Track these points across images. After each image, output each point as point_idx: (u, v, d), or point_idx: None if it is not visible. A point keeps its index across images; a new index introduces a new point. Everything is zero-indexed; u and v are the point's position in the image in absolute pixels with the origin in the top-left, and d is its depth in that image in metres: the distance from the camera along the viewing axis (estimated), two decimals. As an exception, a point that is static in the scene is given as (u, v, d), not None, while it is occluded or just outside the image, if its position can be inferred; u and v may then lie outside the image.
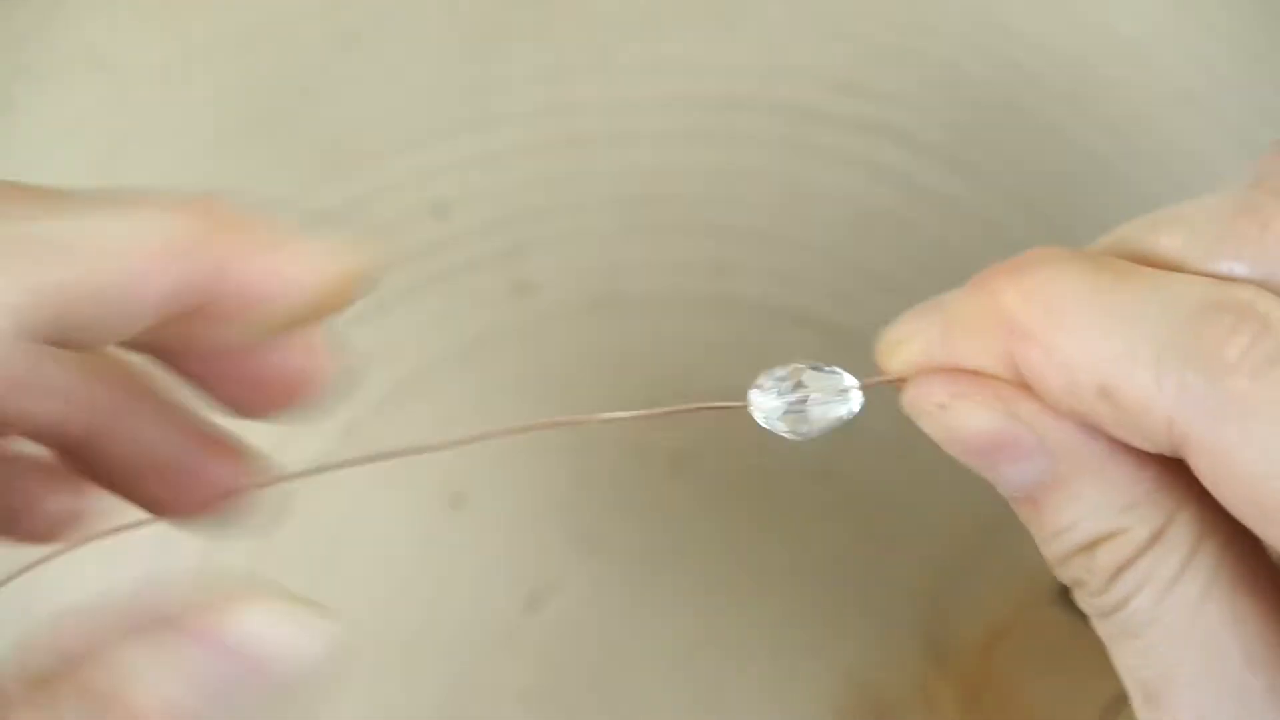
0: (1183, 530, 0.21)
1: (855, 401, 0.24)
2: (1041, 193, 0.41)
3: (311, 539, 0.38)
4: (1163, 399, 0.19)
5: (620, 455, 0.38)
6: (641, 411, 0.24)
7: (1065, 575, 0.22)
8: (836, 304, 0.40)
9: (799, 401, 0.24)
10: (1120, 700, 0.35)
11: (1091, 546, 0.21)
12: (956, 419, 0.22)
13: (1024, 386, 0.22)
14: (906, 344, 0.23)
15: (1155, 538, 0.21)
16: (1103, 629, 0.22)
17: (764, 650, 0.37)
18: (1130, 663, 0.22)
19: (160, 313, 0.21)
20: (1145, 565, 0.21)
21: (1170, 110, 0.42)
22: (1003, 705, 0.36)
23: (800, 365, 0.24)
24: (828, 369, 0.24)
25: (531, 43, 0.44)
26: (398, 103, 0.43)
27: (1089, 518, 0.21)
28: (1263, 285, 0.20)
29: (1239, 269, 0.21)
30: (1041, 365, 0.21)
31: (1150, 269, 0.21)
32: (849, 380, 0.24)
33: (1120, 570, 0.21)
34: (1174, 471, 0.21)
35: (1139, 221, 0.22)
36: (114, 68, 0.44)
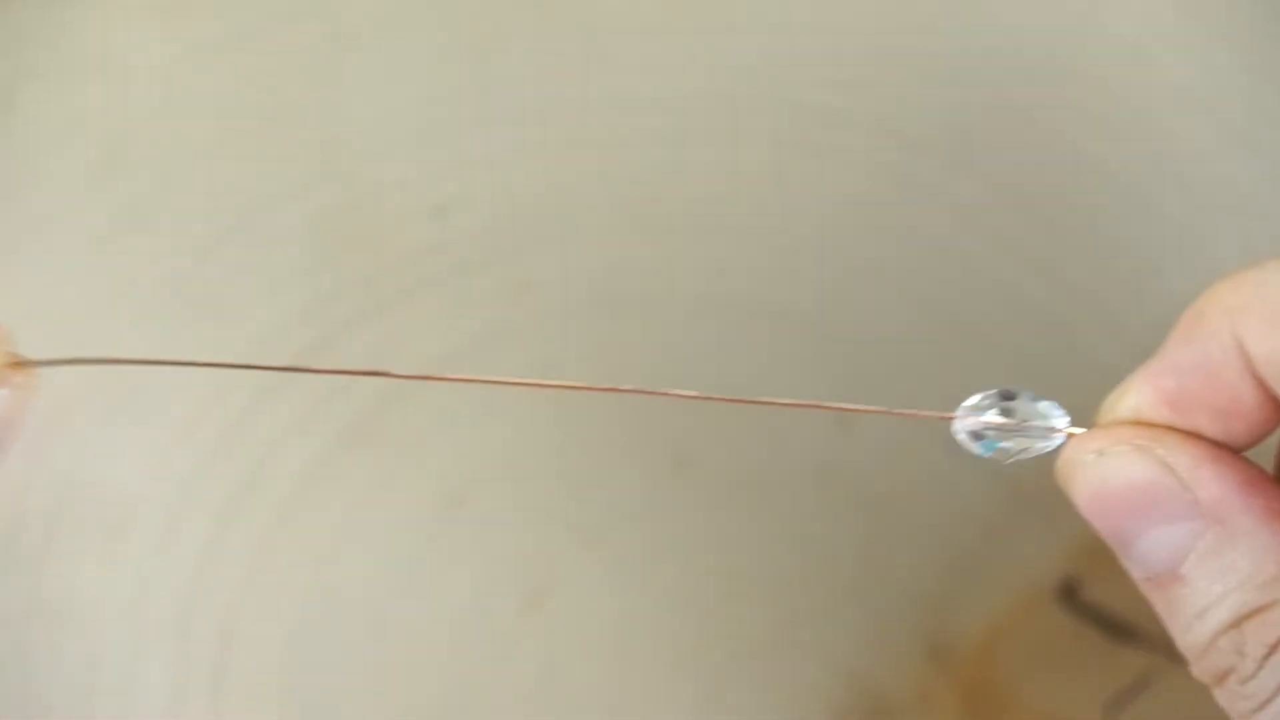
0: None
1: (1056, 442, 0.23)
2: (1041, 193, 0.41)
3: (312, 539, 0.38)
4: None
5: (620, 455, 0.38)
6: (849, 406, 0.24)
7: (1210, 665, 0.20)
8: (836, 304, 0.40)
9: (1004, 427, 0.23)
10: (1121, 699, 0.35)
11: (1239, 624, 0.20)
12: (1109, 467, 0.21)
13: (1197, 437, 0.20)
14: (1125, 397, 0.21)
15: None
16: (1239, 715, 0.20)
17: (764, 650, 0.37)
18: None
19: None
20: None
21: (1170, 110, 0.42)
22: (1003, 705, 0.36)
23: (1017, 390, 0.23)
24: (1042, 402, 0.23)
25: (531, 43, 0.44)
26: (398, 103, 0.43)
27: (1238, 589, 0.20)
28: None
29: None
30: (1264, 334, 0.19)
31: None
32: (1060, 420, 0.23)
33: (1271, 649, 0.20)
34: None
35: None
36: (114, 68, 0.44)
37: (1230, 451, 0.21)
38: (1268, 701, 0.20)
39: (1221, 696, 0.20)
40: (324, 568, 0.38)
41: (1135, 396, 0.21)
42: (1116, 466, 0.21)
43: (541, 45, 0.44)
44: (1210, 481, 0.20)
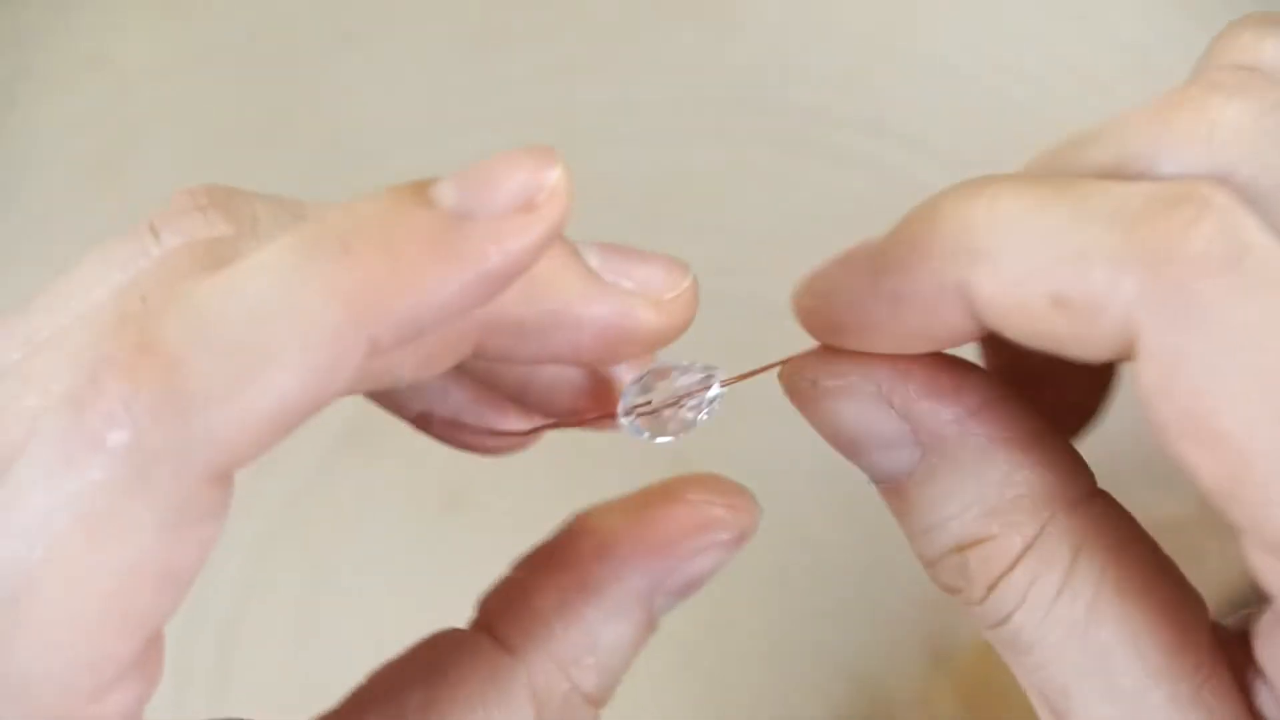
0: (1058, 542, 0.20)
1: (714, 393, 0.23)
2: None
3: (312, 539, 0.38)
4: (1118, 299, 0.17)
5: (621, 455, 0.38)
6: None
7: (940, 580, 0.21)
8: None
9: (661, 401, 0.22)
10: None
11: (961, 550, 0.21)
12: (829, 402, 0.21)
13: (908, 364, 0.21)
14: (829, 295, 0.21)
15: (1028, 548, 0.20)
16: (992, 639, 0.21)
17: (764, 650, 0.37)
18: (1028, 679, 0.20)
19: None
20: (1021, 579, 0.20)
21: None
22: (1002, 706, 0.36)
23: (659, 367, 0.23)
24: (688, 367, 0.23)
25: (531, 43, 0.44)
26: (398, 103, 0.43)
27: (956, 518, 0.20)
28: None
29: (1185, 174, 0.18)
30: (990, 285, 0.19)
31: (1095, 178, 0.19)
32: (706, 371, 0.23)
33: (995, 581, 0.20)
34: (1049, 477, 0.20)
35: (1065, 139, 0.20)
36: (114, 68, 0.44)
37: (957, 370, 0.21)
38: (996, 626, 0.20)
39: (963, 607, 0.21)
40: (324, 568, 0.38)
41: (849, 288, 0.21)
42: (836, 403, 0.21)
43: (541, 45, 0.44)
44: (928, 413, 0.21)
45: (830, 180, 0.41)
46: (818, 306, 0.21)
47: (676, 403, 0.23)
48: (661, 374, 0.22)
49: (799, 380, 0.22)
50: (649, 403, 0.22)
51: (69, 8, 0.45)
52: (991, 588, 0.20)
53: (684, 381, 0.22)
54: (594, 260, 0.21)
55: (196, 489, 0.17)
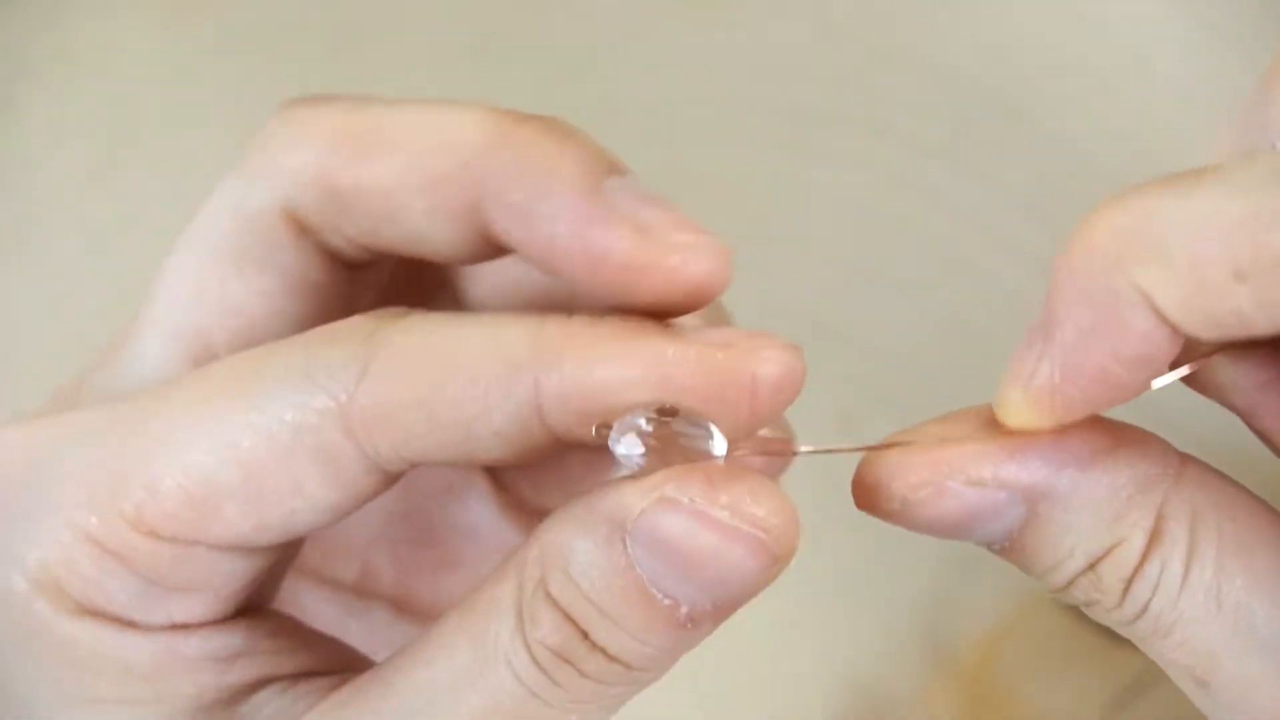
0: (1176, 521, 0.20)
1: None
2: (1041, 193, 0.41)
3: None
4: None
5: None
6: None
7: (1074, 599, 0.21)
8: (835, 303, 0.40)
9: (658, 439, 0.21)
10: (1121, 699, 0.35)
11: (1093, 567, 0.21)
12: (922, 513, 0.21)
13: (982, 437, 0.21)
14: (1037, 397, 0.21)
15: (1153, 539, 0.20)
16: (1131, 634, 0.21)
17: (764, 650, 0.37)
18: (1171, 657, 0.21)
19: None
20: (1153, 568, 0.20)
21: (1170, 110, 0.42)
22: (1003, 705, 0.36)
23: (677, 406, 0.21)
24: (697, 425, 0.21)
25: (531, 43, 0.44)
26: (398, 103, 0.43)
27: (1083, 542, 0.21)
28: None
29: None
30: (1169, 283, 0.18)
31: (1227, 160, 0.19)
32: (718, 443, 0.21)
33: (1130, 580, 0.21)
34: (1146, 464, 0.21)
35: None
36: (114, 68, 0.44)
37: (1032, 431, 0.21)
38: (1135, 619, 0.21)
39: (1095, 615, 0.21)
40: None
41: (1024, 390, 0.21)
42: (931, 510, 0.21)
43: (541, 45, 0.44)
44: (1017, 470, 0.21)
45: (830, 180, 0.41)
46: (1033, 402, 0.21)
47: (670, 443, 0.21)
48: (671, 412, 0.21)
49: (885, 505, 0.22)
50: (655, 436, 0.21)
51: (69, 8, 0.45)
52: (1127, 589, 0.21)
53: (691, 427, 0.21)
54: (612, 181, 0.22)
55: (329, 436, 0.21)
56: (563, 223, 0.21)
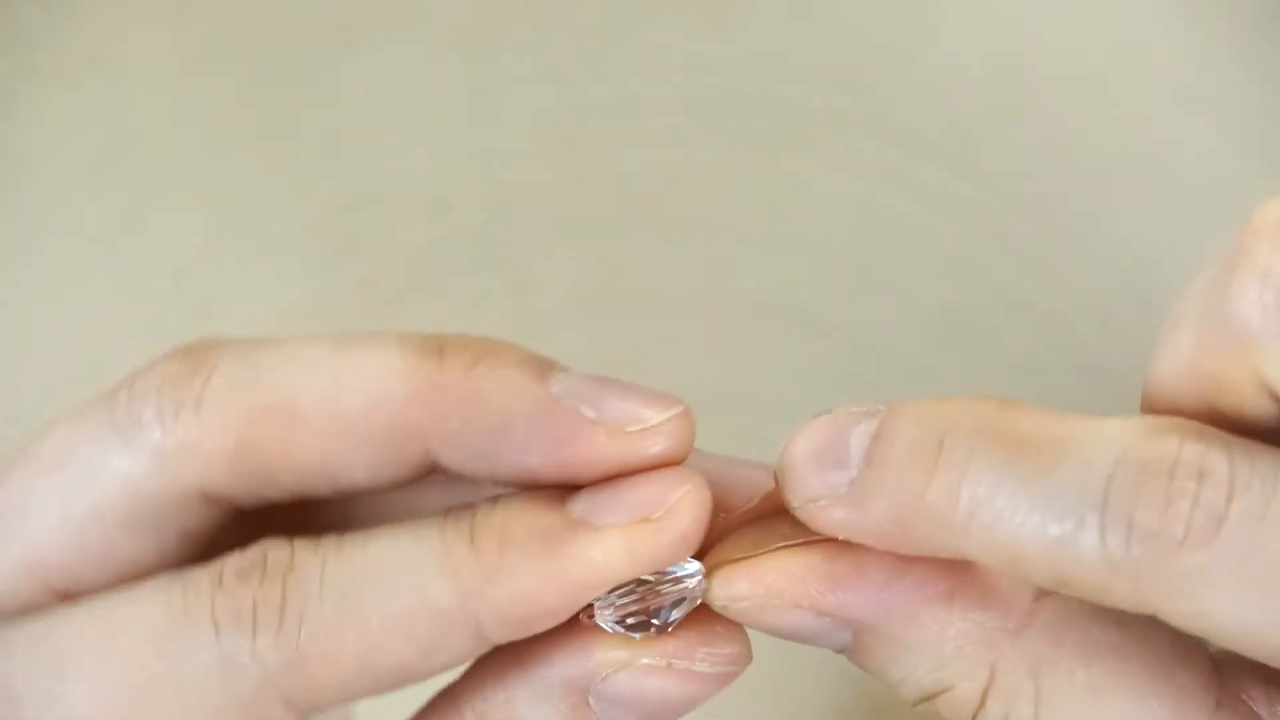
0: (1015, 673, 0.20)
1: (694, 586, 0.22)
2: (1041, 193, 0.41)
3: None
4: (1117, 581, 0.18)
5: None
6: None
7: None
8: (836, 304, 0.40)
9: (640, 596, 0.21)
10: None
11: (929, 700, 0.21)
12: (749, 622, 0.21)
13: (802, 562, 0.20)
14: (818, 507, 0.21)
15: (989, 689, 0.20)
16: None
17: (764, 650, 0.37)
18: None
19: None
20: (995, 715, 0.20)
21: (1170, 110, 0.42)
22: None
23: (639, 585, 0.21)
24: (670, 576, 0.21)
25: (531, 43, 0.44)
26: (398, 103, 0.43)
27: (911, 678, 0.21)
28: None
29: None
30: (984, 559, 0.19)
31: (1064, 425, 0.19)
32: (691, 574, 0.21)
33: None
34: (983, 616, 0.20)
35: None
36: (114, 68, 0.44)
37: (851, 552, 0.21)
38: None
39: None
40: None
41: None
42: (761, 618, 0.21)
43: (541, 45, 0.44)
44: (837, 609, 0.21)
45: (830, 180, 0.41)
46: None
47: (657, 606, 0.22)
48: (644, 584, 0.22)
49: (717, 603, 0.22)
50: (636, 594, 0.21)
51: (69, 8, 0.45)
52: None
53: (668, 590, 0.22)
54: (559, 386, 0.21)
55: (264, 705, 0.19)
56: (535, 453, 0.21)
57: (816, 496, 0.20)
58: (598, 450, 0.21)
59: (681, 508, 0.20)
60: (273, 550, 0.20)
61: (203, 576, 0.20)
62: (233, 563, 0.20)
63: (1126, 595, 0.18)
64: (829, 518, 0.20)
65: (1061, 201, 0.41)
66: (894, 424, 0.20)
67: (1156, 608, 0.18)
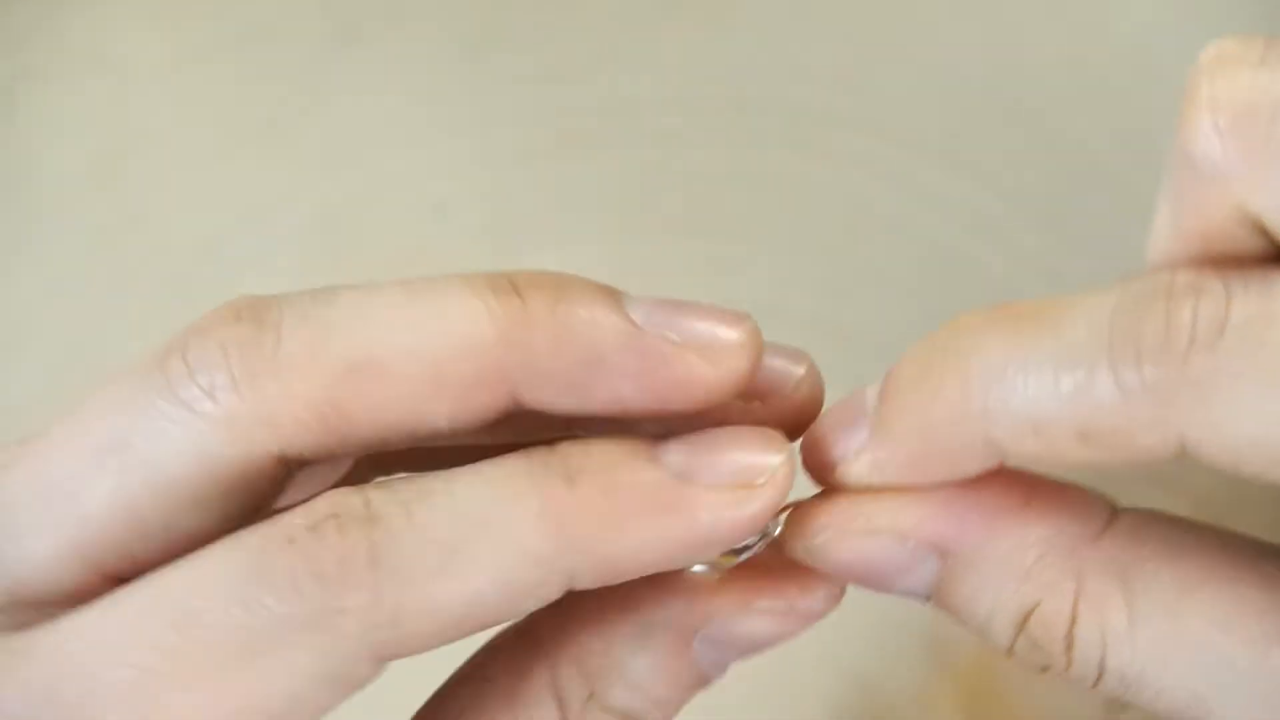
0: (1101, 578, 0.20)
1: (773, 528, 0.22)
2: (1041, 193, 0.41)
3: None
4: (1138, 413, 0.18)
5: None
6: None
7: (1028, 663, 0.21)
8: (836, 304, 0.40)
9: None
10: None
11: (1021, 626, 0.20)
12: (824, 559, 0.21)
13: (900, 487, 0.20)
14: (848, 462, 0.21)
15: (1079, 598, 0.20)
16: (1113, 697, 0.20)
17: (766, 657, 0.37)
18: (1159, 707, 0.20)
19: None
20: (1089, 627, 0.20)
21: (1170, 110, 0.42)
22: (1003, 706, 0.36)
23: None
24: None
25: (531, 43, 0.44)
26: (398, 103, 0.43)
27: (999, 602, 0.20)
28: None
29: None
30: (1011, 440, 0.19)
31: (1058, 298, 0.19)
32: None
33: (1067, 641, 0.20)
34: (1060, 523, 0.20)
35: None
36: (114, 68, 0.44)
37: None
38: (1098, 682, 0.20)
39: (1061, 679, 0.21)
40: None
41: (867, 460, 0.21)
42: (830, 555, 0.21)
43: (541, 45, 0.44)
44: (918, 524, 0.21)
45: (830, 180, 0.41)
46: None
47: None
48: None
49: (792, 549, 0.22)
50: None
51: (69, 8, 0.45)
52: (1069, 648, 0.20)
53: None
54: (638, 313, 0.21)
55: (355, 661, 0.19)
56: (629, 384, 0.20)
57: (844, 454, 0.21)
58: (692, 373, 0.20)
59: (780, 476, 0.20)
60: (345, 501, 0.19)
61: (272, 536, 0.19)
62: (301, 517, 0.19)
63: (1152, 429, 0.18)
64: (862, 467, 0.21)
65: (1061, 201, 0.41)
66: (897, 367, 0.21)
67: (1184, 434, 0.18)
